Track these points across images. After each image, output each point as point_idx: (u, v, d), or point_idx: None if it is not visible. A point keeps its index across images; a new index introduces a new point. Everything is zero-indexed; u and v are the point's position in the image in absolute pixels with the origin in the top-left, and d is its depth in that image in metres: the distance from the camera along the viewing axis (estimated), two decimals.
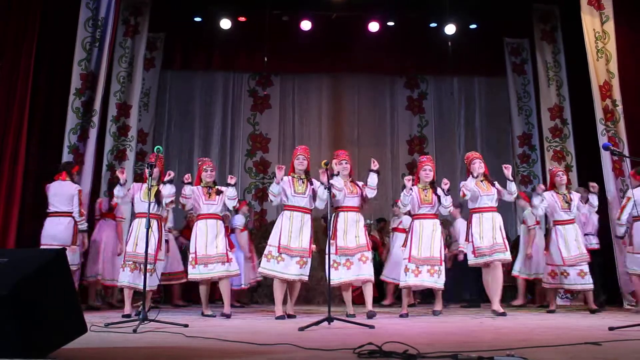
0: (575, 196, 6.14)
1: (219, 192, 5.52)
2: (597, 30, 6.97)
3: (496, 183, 5.79)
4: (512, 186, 5.69)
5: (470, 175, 5.75)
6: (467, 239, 5.76)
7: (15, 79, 6.58)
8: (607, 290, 6.88)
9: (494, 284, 5.57)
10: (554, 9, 8.33)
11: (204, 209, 5.46)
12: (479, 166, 5.72)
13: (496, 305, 5.51)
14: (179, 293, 7.02)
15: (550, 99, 8.14)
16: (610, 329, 3.78)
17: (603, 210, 6.72)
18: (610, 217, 6.67)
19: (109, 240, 6.47)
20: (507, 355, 2.50)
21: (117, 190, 5.43)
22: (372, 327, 4.06)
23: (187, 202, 5.51)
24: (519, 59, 9.03)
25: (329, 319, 4.15)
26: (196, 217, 5.60)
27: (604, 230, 6.82)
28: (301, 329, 3.91)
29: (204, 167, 5.63)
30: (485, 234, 5.57)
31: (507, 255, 5.60)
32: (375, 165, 5.46)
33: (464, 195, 5.69)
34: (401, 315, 5.39)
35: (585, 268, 5.90)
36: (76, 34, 7.01)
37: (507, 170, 5.67)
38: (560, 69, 8.17)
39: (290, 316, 5.28)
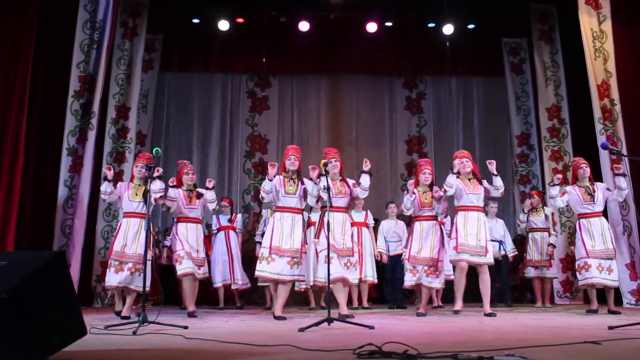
0: (599, 186, 5.83)
1: (199, 195, 5.72)
2: (595, 29, 6.98)
3: (484, 182, 5.68)
4: (498, 180, 5.57)
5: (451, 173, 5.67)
6: (450, 235, 5.75)
7: (13, 81, 6.58)
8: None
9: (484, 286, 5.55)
10: (551, 9, 8.35)
11: (185, 213, 5.65)
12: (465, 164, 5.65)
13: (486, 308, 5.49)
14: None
15: (548, 98, 8.15)
16: (610, 328, 3.78)
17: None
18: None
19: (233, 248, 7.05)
20: (507, 354, 2.50)
21: (105, 186, 5.31)
22: (372, 327, 4.06)
23: (172, 204, 5.63)
24: (517, 59, 9.04)
25: (329, 320, 4.14)
26: (177, 219, 5.72)
27: None
28: (301, 329, 3.91)
29: (185, 170, 5.77)
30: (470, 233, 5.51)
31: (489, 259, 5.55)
32: (367, 166, 5.30)
33: (445, 191, 5.59)
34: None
35: (607, 264, 5.61)
36: (74, 36, 7.01)
37: (492, 166, 5.55)
38: (558, 68, 8.19)
39: (279, 317, 5.06)
